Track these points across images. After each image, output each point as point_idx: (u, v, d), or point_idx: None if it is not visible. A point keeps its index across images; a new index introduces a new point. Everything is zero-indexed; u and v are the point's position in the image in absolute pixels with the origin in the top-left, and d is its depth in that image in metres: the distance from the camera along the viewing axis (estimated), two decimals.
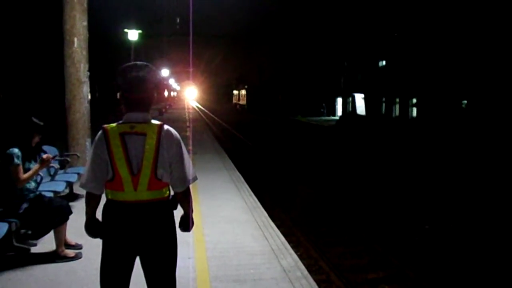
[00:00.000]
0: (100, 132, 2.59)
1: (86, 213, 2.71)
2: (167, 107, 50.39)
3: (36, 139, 4.73)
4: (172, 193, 2.71)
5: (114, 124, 2.60)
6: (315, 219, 9.11)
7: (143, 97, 2.61)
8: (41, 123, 4.72)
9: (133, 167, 2.54)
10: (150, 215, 2.59)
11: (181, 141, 2.67)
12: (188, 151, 12.81)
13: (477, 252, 7.18)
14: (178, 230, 2.76)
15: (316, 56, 50.28)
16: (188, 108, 55.33)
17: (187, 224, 2.81)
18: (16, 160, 4.37)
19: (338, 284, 5.95)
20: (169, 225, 2.69)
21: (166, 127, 2.62)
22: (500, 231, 8.24)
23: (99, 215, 2.69)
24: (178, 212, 2.76)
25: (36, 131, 4.68)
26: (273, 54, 63.54)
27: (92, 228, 2.71)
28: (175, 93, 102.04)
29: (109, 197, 2.62)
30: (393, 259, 6.83)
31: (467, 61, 23.86)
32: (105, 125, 2.60)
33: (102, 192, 2.65)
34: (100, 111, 13.35)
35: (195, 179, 2.76)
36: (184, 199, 2.74)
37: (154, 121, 2.64)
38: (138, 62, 2.72)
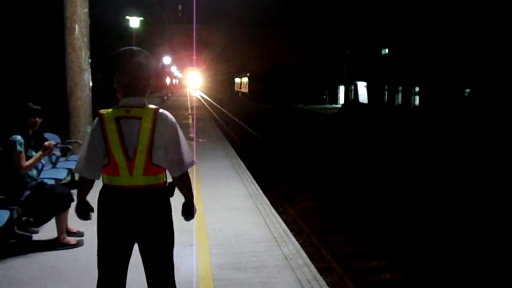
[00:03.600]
0: (96, 118, 2.61)
1: (77, 196, 2.76)
2: (169, 94, 50.42)
3: (38, 122, 4.70)
4: (169, 180, 2.70)
5: (110, 109, 2.61)
6: (316, 207, 9.13)
7: (140, 83, 2.63)
8: (39, 107, 4.69)
9: (128, 151, 2.54)
10: (145, 201, 2.59)
11: (177, 124, 2.67)
12: (191, 139, 12.85)
13: (478, 240, 7.19)
14: (179, 218, 2.75)
15: (319, 43, 50.03)
16: (190, 96, 55.19)
17: (189, 211, 2.79)
18: (18, 147, 4.36)
19: (339, 272, 5.96)
20: (165, 211, 2.68)
21: (161, 110, 2.63)
22: (501, 220, 8.23)
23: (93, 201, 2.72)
24: (175, 199, 2.74)
25: (33, 115, 4.64)
26: (276, 42, 63.28)
27: (82, 210, 2.77)
28: (177, 81, 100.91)
29: (105, 182, 2.63)
30: (395, 247, 6.84)
31: (470, 50, 23.71)
32: (101, 110, 2.61)
33: (98, 178, 2.66)
34: (102, 99, 13.34)
35: (192, 163, 2.74)
36: (182, 184, 2.72)
37: (150, 105, 2.65)
38: (134, 48, 2.72)
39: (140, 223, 2.60)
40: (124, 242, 2.65)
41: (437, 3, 26.24)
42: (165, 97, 41.18)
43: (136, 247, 2.71)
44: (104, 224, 2.64)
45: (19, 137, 4.42)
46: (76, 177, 7.18)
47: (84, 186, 2.71)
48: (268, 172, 12.21)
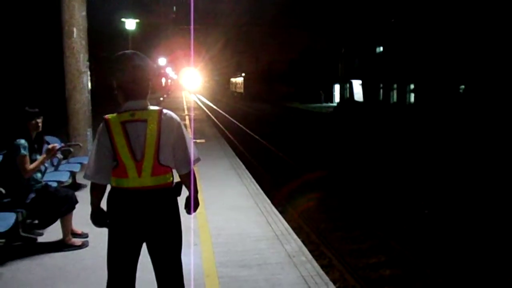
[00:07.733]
0: (102, 123, 2.65)
1: (92, 203, 2.76)
2: (165, 96, 50.48)
3: (39, 123, 4.73)
4: (175, 180, 2.77)
5: (114, 114, 2.66)
6: (315, 205, 9.19)
7: (141, 85, 2.68)
8: (36, 109, 4.71)
9: (136, 153, 2.60)
10: (154, 201, 2.65)
11: (182, 123, 2.75)
12: None
13: (475, 235, 7.28)
14: (182, 217, 2.82)
15: (314, 42, 50.15)
16: (186, 98, 55.11)
17: (194, 205, 2.88)
18: (23, 151, 4.41)
19: (340, 268, 6.04)
20: (173, 211, 2.75)
21: (165, 111, 2.70)
22: (498, 215, 8.34)
23: (103, 204, 2.76)
24: (182, 199, 2.82)
25: (32, 118, 4.66)
26: (271, 41, 63.36)
27: (98, 218, 2.77)
28: (170, 81, 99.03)
29: (114, 184, 2.67)
30: (394, 243, 6.93)
31: (464, 47, 23.86)
32: (107, 116, 2.66)
33: (109, 182, 2.70)
34: (98, 101, 13.38)
35: (198, 160, 2.83)
36: (189, 180, 2.81)
37: (153, 107, 2.72)
38: (128, 52, 2.76)
39: (149, 223, 2.66)
40: (134, 242, 2.71)
41: (431, 1, 26.37)
42: (161, 98, 41.13)
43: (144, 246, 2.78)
44: (114, 225, 2.70)
45: (23, 141, 4.47)
46: (78, 179, 7.26)
47: (97, 192, 2.73)
48: (266, 171, 12.27)
